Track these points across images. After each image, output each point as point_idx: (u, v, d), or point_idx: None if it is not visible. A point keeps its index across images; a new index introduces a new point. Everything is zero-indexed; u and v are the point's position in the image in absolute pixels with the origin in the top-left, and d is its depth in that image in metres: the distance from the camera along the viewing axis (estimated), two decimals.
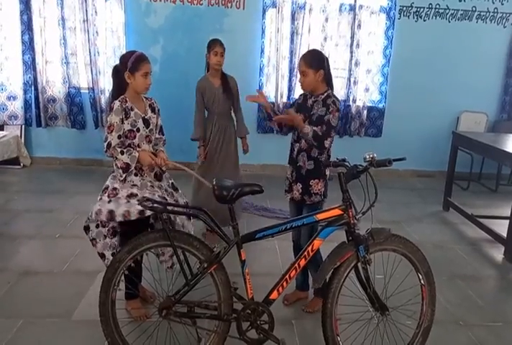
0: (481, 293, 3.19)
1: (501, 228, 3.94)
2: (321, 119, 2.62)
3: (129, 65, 2.46)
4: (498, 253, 3.85)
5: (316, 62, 2.64)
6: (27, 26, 5.45)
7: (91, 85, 5.67)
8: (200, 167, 3.83)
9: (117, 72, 2.53)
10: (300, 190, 2.74)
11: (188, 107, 5.76)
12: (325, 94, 2.67)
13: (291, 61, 5.72)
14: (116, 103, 2.47)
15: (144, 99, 2.63)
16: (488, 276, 3.49)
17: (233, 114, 3.87)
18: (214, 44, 3.64)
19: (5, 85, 5.66)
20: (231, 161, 3.80)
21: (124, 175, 2.46)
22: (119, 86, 2.55)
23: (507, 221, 3.78)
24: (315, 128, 2.56)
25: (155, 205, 2.16)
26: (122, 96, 2.51)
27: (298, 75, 2.73)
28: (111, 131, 2.45)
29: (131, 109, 2.50)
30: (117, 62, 2.60)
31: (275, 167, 5.83)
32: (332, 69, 2.74)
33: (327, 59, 2.71)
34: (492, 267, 3.65)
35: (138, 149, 2.52)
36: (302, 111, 2.75)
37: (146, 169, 2.56)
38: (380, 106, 5.99)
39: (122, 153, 2.44)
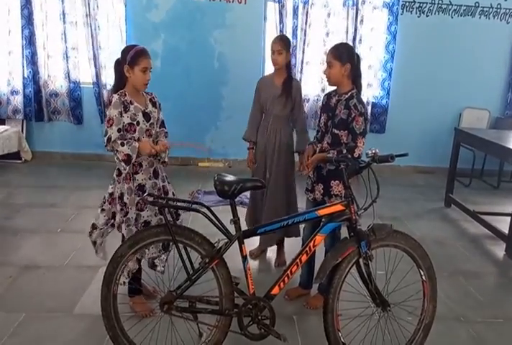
0: (482, 290, 3.19)
1: (503, 224, 3.94)
2: (343, 123, 2.59)
3: (129, 59, 2.43)
4: (500, 250, 3.85)
5: (344, 55, 2.58)
6: (28, 21, 5.44)
7: (93, 80, 5.67)
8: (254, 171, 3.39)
9: (118, 65, 2.50)
10: (322, 191, 2.72)
11: (190, 102, 5.82)
12: (349, 94, 2.62)
13: (293, 56, 5.69)
14: (115, 97, 2.45)
15: (144, 94, 2.60)
16: (489, 272, 3.49)
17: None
18: (273, 42, 3.16)
19: (9, 79, 5.66)
20: (285, 170, 3.28)
21: (127, 168, 2.44)
22: (120, 80, 2.52)
23: (509, 218, 3.77)
24: (335, 150, 2.57)
25: (157, 199, 2.17)
26: (121, 90, 2.49)
27: (300, 70, 2.71)
28: (111, 125, 2.42)
29: (131, 103, 2.47)
30: (118, 56, 2.55)
31: None
32: None
33: (358, 56, 2.65)
34: (494, 264, 3.65)
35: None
36: (326, 112, 2.73)
37: (145, 165, 2.54)
38: (383, 102, 5.96)
39: (123, 144, 2.41)
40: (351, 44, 5.67)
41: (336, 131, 2.63)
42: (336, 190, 2.67)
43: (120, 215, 2.50)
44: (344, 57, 2.58)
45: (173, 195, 2.72)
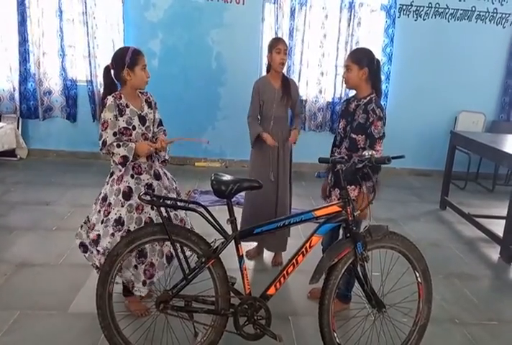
0: (477, 292, 3.20)
1: (497, 227, 3.96)
2: (361, 128, 2.57)
3: (127, 61, 2.39)
4: (494, 252, 3.87)
5: (362, 59, 2.57)
6: (23, 18, 5.41)
7: (88, 78, 5.66)
8: (252, 171, 3.35)
9: (107, 73, 2.48)
10: (338, 196, 2.66)
11: (187, 102, 5.81)
12: (367, 98, 2.59)
13: (290, 57, 5.70)
14: (110, 99, 2.40)
15: (140, 95, 2.56)
16: (484, 275, 3.51)
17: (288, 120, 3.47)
18: (277, 42, 3.20)
19: (8, 76, 5.64)
20: (284, 172, 3.32)
21: (123, 169, 2.42)
22: (111, 87, 2.49)
23: (503, 221, 3.80)
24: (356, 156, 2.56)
25: (153, 198, 2.17)
26: (116, 92, 2.45)
27: (298, 72, 2.71)
28: (106, 128, 2.38)
29: (127, 106, 2.44)
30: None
31: None
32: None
33: (378, 61, 2.62)
34: (488, 266, 3.66)
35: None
36: (345, 117, 2.71)
37: (145, 167, 2.51)
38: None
39: (119, 146, 2.38)
40: (348, 46, 5.71)
41: (354, 136, 2.60)
42: (352, 195, 2.58)
43: (100, 216, 2.47)
44: (363, 62, 2.56)
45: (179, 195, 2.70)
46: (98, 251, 2.43)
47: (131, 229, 2.41)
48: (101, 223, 2.45)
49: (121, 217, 2.42)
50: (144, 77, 2.46)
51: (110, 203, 2.46)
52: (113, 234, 2.41)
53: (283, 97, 3.23)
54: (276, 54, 3.16)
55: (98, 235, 2.44)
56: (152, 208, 2.49)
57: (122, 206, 2.44)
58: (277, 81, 3.26)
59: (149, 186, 2.50)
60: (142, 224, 2.44)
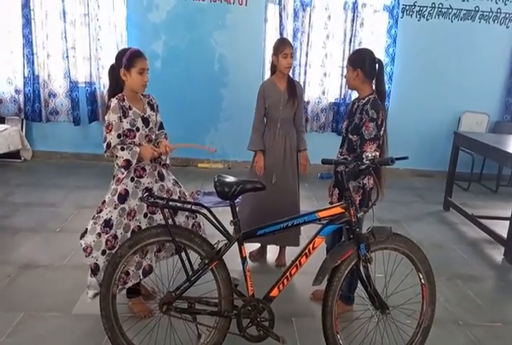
0: (480, 293, 3.19)
1: (501, 229, 3.95)
2: (356, 128, 2.57)
3: (124, 62, 2.39)
4: (498, 254, 3.85)
5: (355, 60, 2.58)
6: (27, 20, 5.42)
7: (92, 80, 5.67)
8: (251, 172, 3.37)
9: (113, 71, 2.48)
10: (338, 196, 2.70)
11: (190, 103, 5.82)
12: (365, 99, 2.59)
13: (294, 58, 5.69)
14: (114, 101, 2.41)
15: (142, 97, 2.56)
16: (488, 276, 3.50)
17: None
18: (284, 46, 3.14)
19: (11, 78, 5.67)
20: (293, 172, 3.33)
21: (125, 172, 2.42)
22: (115, 86, 2.49)
23: (507, 222, 3.78)
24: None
25: (157, 200, 2.17)
26: (120, 94, 2.45)
27: (301, 73, 2.70)
28: (110, 131, 2.38)
29: (130, 108, 2.44)
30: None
31: None
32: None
33: (380, 61, 2.59)
34: (492, 268, 3.65)
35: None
36: (348, 118, 2.71)
37: (149, 169, 2.51)
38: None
39: (123, 149, 2.38)
40: (351, 47, 5.70)
41: (350, 136, 2.60)
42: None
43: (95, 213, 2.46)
44: (355, 63, 2.57)
45: (184, 197, 2.67)
46: (80, 244, 2.42)
47: (118, 235, 2.40)
48: (92, 218, 2.44)
49: (111, 219, 2.41)
50: (141, 81, 2.43)
51: (104, 201, 2.46)
52: (99, 234, 2.39)
53: (289, 99, 3.21)
54: (283, 58, 3.12)
55: (86, 229, 2.43)
56: (145, 216, 2.49)
57: (115, 208, 2.43)
58: (283, 83, 3.24)
59: (148, 190, 2.47)
60: (129, 231, 2.43)
